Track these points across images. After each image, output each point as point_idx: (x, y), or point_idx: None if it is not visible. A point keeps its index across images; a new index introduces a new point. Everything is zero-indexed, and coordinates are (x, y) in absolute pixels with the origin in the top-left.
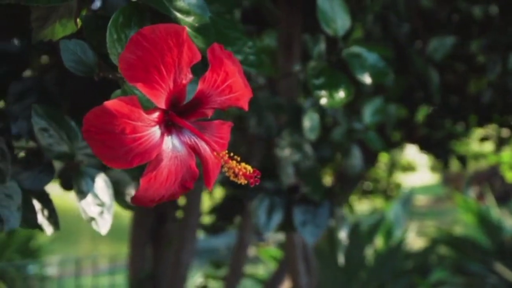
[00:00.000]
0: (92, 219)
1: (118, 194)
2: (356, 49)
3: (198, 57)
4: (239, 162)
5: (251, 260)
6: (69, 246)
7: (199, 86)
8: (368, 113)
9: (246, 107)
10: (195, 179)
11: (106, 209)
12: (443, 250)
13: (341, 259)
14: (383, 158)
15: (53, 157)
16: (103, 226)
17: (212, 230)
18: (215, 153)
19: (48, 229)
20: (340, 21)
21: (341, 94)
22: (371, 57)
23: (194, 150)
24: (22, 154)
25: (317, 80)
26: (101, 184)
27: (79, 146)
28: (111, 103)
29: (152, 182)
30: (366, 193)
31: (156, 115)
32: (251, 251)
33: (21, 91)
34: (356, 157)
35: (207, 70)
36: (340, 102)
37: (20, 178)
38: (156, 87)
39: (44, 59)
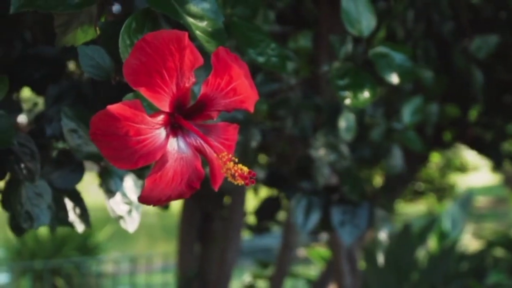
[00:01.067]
0: (121, 217)
1: None
2: (383, 49)
3: (201, 61)
4: (236, 163)
5: (304, 261)
6: (126, 244)
7: (202, 89)
8: (407, 112)
9: (251, 109)
10: (201, 179)
11: (135, 208)
12: (499, 252)
13: (380, 259)
14: (435, 159)
15: (81, 157)
16: (131, 224)
17: (257, 230)
18: (212, 155)
19: (79, 227)
20: (365, 21)
21: (365, 94)
22: (398, 56)
23: (199, 151)
24: (54, 154)
25: (341, 81)
26: (129, 183)
27: None
28: (114, 107)
29: (158, 182)
30: (417, 194)
31: (161, 117)
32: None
33: (58, 94)
34: (396, 158)
35: (210, 73)
36: (364, 103)
37: (51, 177)
38: (158, 91)
39: None
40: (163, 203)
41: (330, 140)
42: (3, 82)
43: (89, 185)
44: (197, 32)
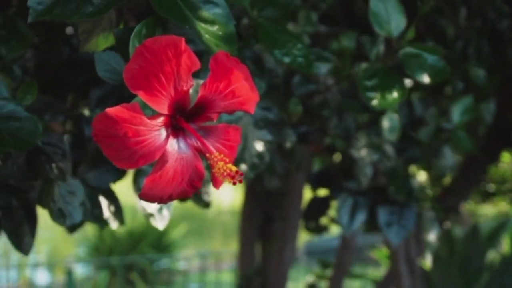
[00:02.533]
0: (151, 215)
1: (195, 193)
2: (413, 49)
3: (198, 65)
4: (226, 163)
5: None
6: (202, 242)
7: (200, 92)
8: (457, 112)
9: (252, 110)
10: (202, 179)
11: (165, 206)
12: None
13: (428, 260)
14: (506, 159)
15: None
16: (161, 221)
17: (316, 229)
18: (207, 155)
19: (114, 224)
20: (394, 22)
21: (394, 95)
22: (431, 57)
23: (200, 152)
24: (90, 155)
25: (368, 82)
26: None
27: None
28: (112, 110)
29: (157, 181)
30: (488, 195)
31: (160, 119)
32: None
33: (101, 97)
34: (447, 158)
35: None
36: (392, 103)
37: (87, 176)
38: (156, 94)
39: None
40: (165, 201)
41: (373, 140)
42: (32, 87)
43: None
44: (207, 37)
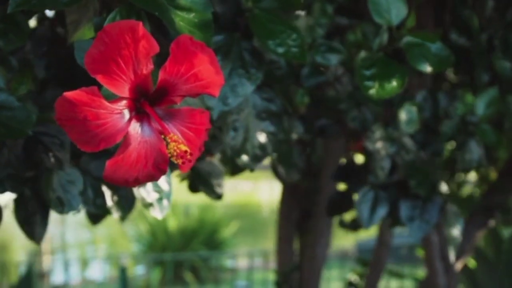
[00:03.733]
0: (150, 204)
1: (207, 185)
2: (414, 38)
3: (156, 49)
4: (178, 143)
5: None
6: (255, 240)
7: (160, 75)
8: (482, 105)
9: (216, 94)
10: (167, 162)
11: (165, 196)
12: None
13: (452, 257)
14: None
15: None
16: (160, 211)
17: (352, 226)
18: (162, 136)
19: (116, 213)
20: (394, 10)
21: (393, 84)
22: (434, 45)
23: (165, 135)
24: None
25: (367, 71)
26: None
27: None
28: (70, 93)
29: (120, 163)
30: None
31: (123, 103)
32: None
33: None
34: (472, 152)
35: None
36: (391, 93)
37: (89, 167)
38: (115, 78)
39: None
40: (132, 184)
41: (389, 133)
42: (26, 77)
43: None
44: (181, 24)
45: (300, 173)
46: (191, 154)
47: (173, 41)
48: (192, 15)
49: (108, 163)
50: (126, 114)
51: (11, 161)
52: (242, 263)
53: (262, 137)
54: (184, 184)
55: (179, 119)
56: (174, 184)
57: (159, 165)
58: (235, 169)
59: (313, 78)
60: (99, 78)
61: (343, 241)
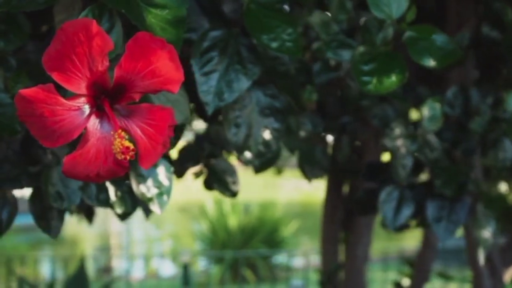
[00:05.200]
0: (150, 199)
1: (222, 183)
2: (415, 32)
3: (110, 46)
4: (122, 139)
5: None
6: (316, 239)
7: (116, 72)
8: None
9: (175, 90)
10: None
11: (166, 192)
12: None
13: (481, 259)
14: None
15: None
16: (160, 206)
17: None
18: (112, 132)
19: (119, 209)
20: (395, 3)
21: (392, 79)
22: (440, 38)
23: (125, 131)
24: None
25: (365, 66)
26: (162, 169)
27: None
28: (26, 90)
29: (78, 159)
30: None
31: (81, 100)
32: None
33: None
34: (506, 150)
35: (122, 56)
36: (389, 88)
37: None
38: (70, 75)
39: None
40: (95, 180)
41: (410, 130)
42: (22, 76)
43: (283, 182)
44: (153, 21)
45: (324, 171)
46: (133, 151)
47: (132, 38)
48: (165, 12)
49: (66, 158)
50: (85, 111)
51: (9, 156)
52: (300, 262)
53: (266, 134)
54: (245, 182)
55: (139, 116)
56: None
57: (120, 162)
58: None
59: (324, 74)
60: (54, 75)
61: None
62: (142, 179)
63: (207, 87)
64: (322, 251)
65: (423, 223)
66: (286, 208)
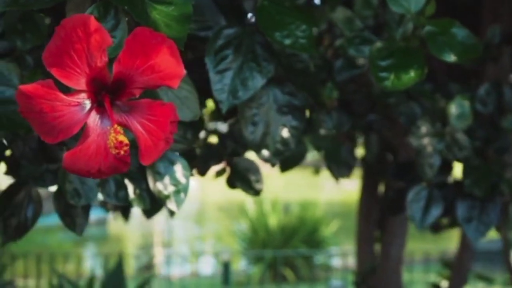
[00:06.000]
0: (167, 197)
1: (245, 181)
2: (440, 26)
3: (109, 42)
4: (117, 134)
5: None
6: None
7: (115, 68)
8: None
9: (175, 86)
10: (128, 154)
11: (183, 189)
12: None
13: None
14: None
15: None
16: (177, 204)
17: (433, 228)
18: (105, 127)
19: (139, 206)
20: None
21: (410, 74)
22: (460, 33)
23: (125, 127)
24: None
25: (383, 62)
26: (179, 167)
27: None
28: (26, 86)
29: (78, 155)
30: None
31: (81, 96)
32: None
33: None
34: None
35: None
36: (407, 84)
37: None
38: (69, 71)
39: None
40: (97, 175)
41: (437, 128)
42: (36, 75)
43: (324, 182)
44: (157, 17)
45: (351, 170)
46: (126, 146)
47: (131, 33)
48: (171, 8)
49: (65, 154)
50: (85, 107)
51: (26, 153)
52: (341, 262)
53: (284, 132)
54: (286, 181)
55: (139, 112)
56: (273, 182)
57: (121, 157)
58: (284, 166)
59: (346, 71)
60: (54, 71)
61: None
62: (159, 176)
63: (221, 85)
64: (357, 251)
65: (454, 223)
66: (327, 208)
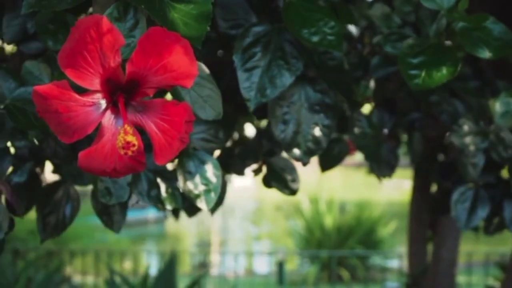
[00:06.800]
0: (197, 196)
1: (280, 180)
2: (474, 21)
3: (121, 42)
4: (126, 134)
5: None
6: None
7: (128, 68)
8: None
9: (188, 85)
10: (142, 153)
11: (213, 189)
12: None
13: None
14: None
15: None
16: (207, 203)
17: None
18: (119, 127)
19: (169, 205)
20: None
21: (443, 72)
22: (496, 28)
23: (140, 127)
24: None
25: (414, 59)
26: (210, 166)
27: (194, 131)
28: (41, 87)
29: (93, 154)
30: None
31: (96, 96)
32: None
33: None
34: None
35: (134, 52)
36: (439, 82)
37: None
38: (83, 72)
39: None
40: (113, 175)
41: (481, 127)
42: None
43: (384, 182)
44: (175, 16)
45: (393, 169)
46: (133, 146)
47: (145, 33)
48: (191, 6)
49: (80, 153)
50: (100, 107)
51: (57, 152)
52: (397, 263)
53: (316, 131)
54: (343, 181)
55: (153, 111)
56: (330, 181)
57: (136, 157)
58: (324, 165)
59: (382, 68)
60: (68, 72)
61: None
62: (189, 176)
63: (249, 83)
64: (408, 252)
65: (502, 224)
66: (386, 208)
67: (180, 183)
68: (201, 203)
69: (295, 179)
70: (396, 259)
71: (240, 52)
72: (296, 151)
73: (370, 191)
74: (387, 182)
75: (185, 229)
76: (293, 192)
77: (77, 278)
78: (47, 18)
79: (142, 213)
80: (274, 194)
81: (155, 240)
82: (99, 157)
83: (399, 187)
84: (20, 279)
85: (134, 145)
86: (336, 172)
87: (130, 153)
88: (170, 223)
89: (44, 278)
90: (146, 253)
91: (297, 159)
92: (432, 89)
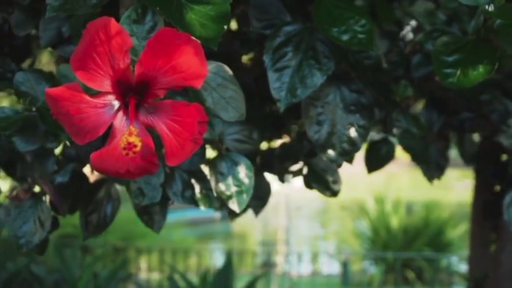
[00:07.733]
0: (229, 197)
1: (321, 181)
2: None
3: (129, 43)
4: (130, 135)
5: None
6: None
7: (137, 69)
8: None
9: (198, 86)
10: (155, 154)
11: (246, 190)
12: None
13: None
14: None
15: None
16: (239, 204)
17: None
18: (126, 128)
19: (203, 205)
20: None
21: (479, 70)
22: None
23: (151, 128)
24: None
25: (449, 57)
26: (243, 168)
27: (228, 132)
28: (53, 89)
29: (105, 155)
30: None
31: (108, 97)
32: None
33: None
34: None
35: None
36: (474, 80)
37: None
38: (93, 74)
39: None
40: (127, 176)
41: None
42: None
43: (454, 182)
44: (192, 17)
45: (442, 171)
46: (135, 147)
47: (155, 34)
48: (209, 7)
49: (92, 155)
50: (111, 108)
51: (89, 153)
52: (466, 266)
53: (352, 131)
54: (410, 181)
55: (164, 112)
56: (397, 181)
57: (148, 158)
58: (370, 166)
59: (423, 67)
60: (79, 74)
61: None
62: (221, 177)
63: (279, 83)
64: (469, 256)
65: None
66: (456, 209)
67: (212, 184)
68: (233, 205)
69: (336, 181)
70: (465, 263)
71: (271, 52)
72: (331, 152)
73: (439, 191)
74: (458, 183)
75: (251, 228)
76: (334, 193)
77: (142, 275)
78: (81, 21)
79: (209, 211)
80: (341, 193)
81: (221, 239)
82: (112, 159)
83: (470, 188)
84: (85, 274)
85: (136, 146)
86: (403, 172)
87: (131, 154)
88: (237, 222)
89: (109, 274)
90: (210, 251)
91: (332, 160)
92: (483, 88)
